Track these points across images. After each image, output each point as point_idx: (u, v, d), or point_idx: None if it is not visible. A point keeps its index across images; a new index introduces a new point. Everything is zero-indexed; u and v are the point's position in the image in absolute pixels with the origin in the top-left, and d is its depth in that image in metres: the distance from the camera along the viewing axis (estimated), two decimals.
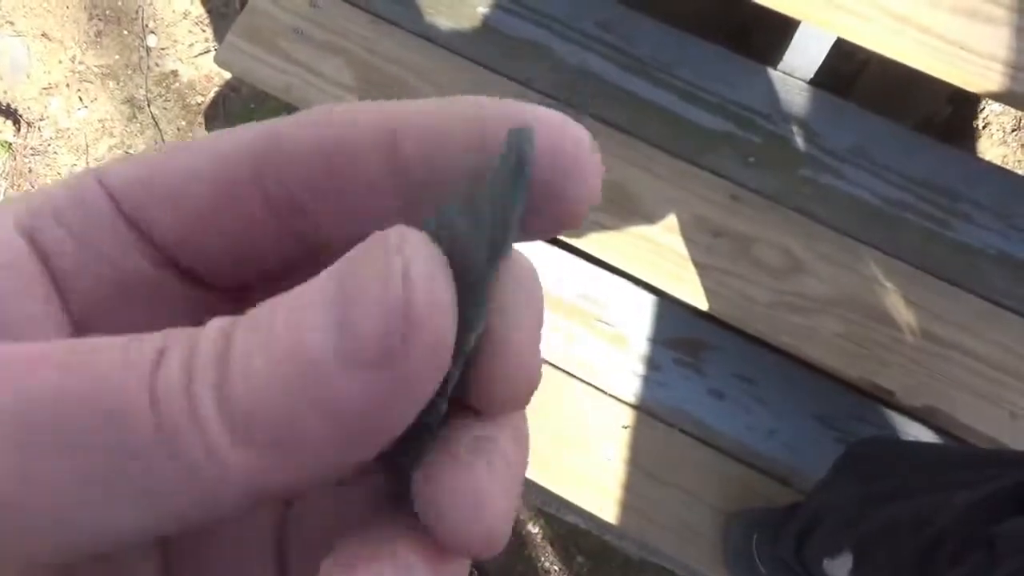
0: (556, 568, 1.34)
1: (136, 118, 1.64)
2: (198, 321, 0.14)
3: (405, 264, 0.11)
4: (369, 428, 0.12)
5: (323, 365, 0.11)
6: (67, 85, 1.65)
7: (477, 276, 0.13)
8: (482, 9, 1.13)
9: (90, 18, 1.67)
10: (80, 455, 0.11)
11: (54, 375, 0.11)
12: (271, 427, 0.11)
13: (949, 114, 1.42)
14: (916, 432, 1.06)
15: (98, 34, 1.67)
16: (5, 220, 0.15)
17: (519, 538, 1.36)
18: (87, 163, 1.62)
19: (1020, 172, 1.37)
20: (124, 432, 0.11)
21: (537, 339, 0.14)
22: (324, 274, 0.12)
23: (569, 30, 1.12)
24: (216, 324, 0.12)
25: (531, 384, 0.14)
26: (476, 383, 0.14)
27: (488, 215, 0.13)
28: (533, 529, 1.36)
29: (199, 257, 0.15)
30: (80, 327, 0.15)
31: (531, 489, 1.29)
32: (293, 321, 0.11)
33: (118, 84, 1.65)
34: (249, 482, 0.11)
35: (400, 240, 0.12)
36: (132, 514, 0.11)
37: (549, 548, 1.35)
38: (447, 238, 0.13)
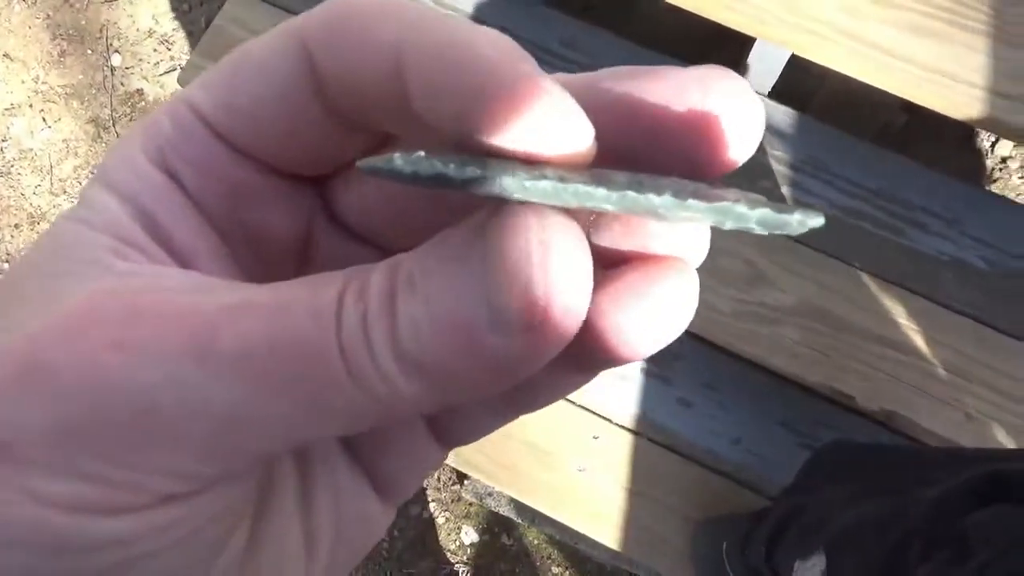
0: None
1: (101, 138, 1.63)
2: (307, 210, 0.19)
3: (545, 253, 0.14)
4: (511, 373, 0.14)
5: (476, 331, 0.14)
6: (30, 105, 1.63)
7: None
8: None
9: (53, 38, 1.65)
10: (290, 388, 0.14)
11: (262, 326, 0.14)
12: (434, 371, 0.14)
13: (905, 123, 1.46)
14: (877, 436, 1.08)
15: (61, 54, 1.65)
16: (137, 156, 0.17)
17: (493, 550, 1.37)
18: (51, 184, 1.61)
19: (975, 181, 1.42)
20: (323, 374, 0.14)
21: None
22: (466, 239, 0.14)
23: (534, 48, 1.14)
24: (378, 282, 0.15)
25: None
26: None
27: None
28: (507, 541, 1.36)
29: (282, 161, 0.18)
30: (227, 241, 0.18)
31: (504, 502, 1.29)
32: (446, 291, 0.14)
33: (82, 104, 1.64)
34: (416, 405, 0.15)
35: (540, 228, 0.14)
36: (330, 425, 0.15)
37: (523, 559, 1.36)
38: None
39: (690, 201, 0.14)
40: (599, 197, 0.14)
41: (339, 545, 0.19)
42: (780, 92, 1.15)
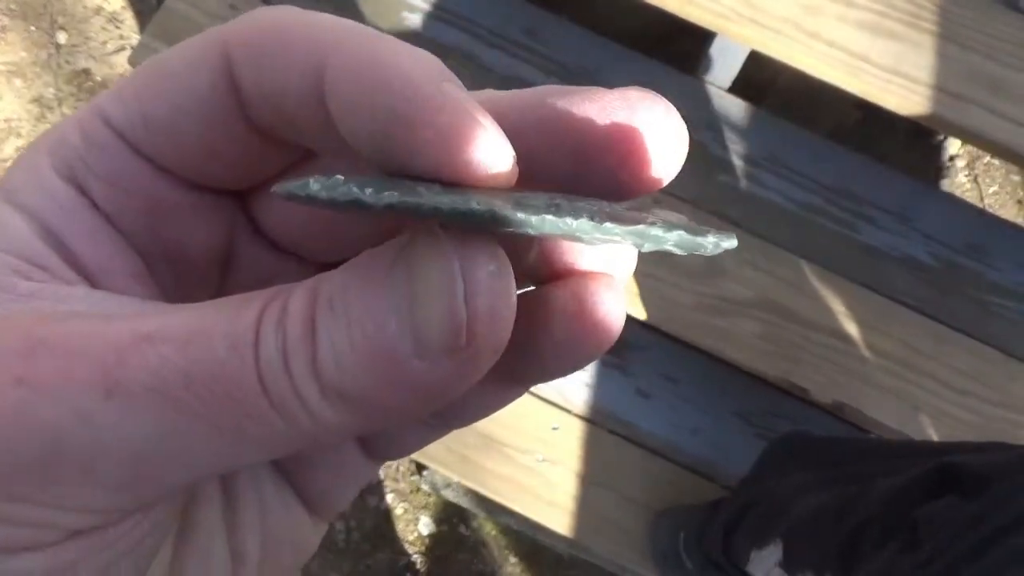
0: (489, 569, 1.35)
1: (46, 118, 1.56)
2: (227, 224, 0.18)
3: (467, 277, 0.14)
4: (437, 397, 0.14)
5: (400, 356, 0.14)
6: None
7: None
8: (408, 15, 1.12)
9: None
10: (209, 420, 0.14)
11: (175, 357, 0.14)
12: (359, 399, 0.14)
13: (859, 118, 1.49)
14: (830, 426, 1.11)
15: (2, 30, 1.58)
16: (44, 171, 0.16)
17: (451, 541, 1.37)
18: None
19: (924, 177, 1.46)
20: (243, 405, 0.14)
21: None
22: (387, 263, 0.14)
23: (496, 37, 1.13)
24: (297, 307, 0.14)
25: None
26: None
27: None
28: (466, 531, 1.37)
29: (201, 175, 0.17)
30: (144, 258, 0.17)
31: (462, 492, 1.29)
32: (369, 316, 0.14)
33: (25, 82, 1.57)
34: (342, 432, 0.15)
35: (463, 254, 0.14)
36: (253, 454, 0.15)
37: (481, 549, 1.36)
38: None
39: (607, 224, 0.14)
40: (518, 222, 0.14)
41: (267, 561, 0.19)
42: (736, 85, 1.16)
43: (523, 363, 0.16)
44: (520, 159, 0.15)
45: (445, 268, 0.14)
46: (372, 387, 0.14)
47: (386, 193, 0.13)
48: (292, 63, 0.15)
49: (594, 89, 0.15)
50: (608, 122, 0.15)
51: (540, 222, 0.14)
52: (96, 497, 0.14)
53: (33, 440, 0.13)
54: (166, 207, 0.17)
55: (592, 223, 0.14)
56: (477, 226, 0.14)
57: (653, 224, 0.14)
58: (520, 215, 0.14)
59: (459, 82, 0.15)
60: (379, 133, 0.14)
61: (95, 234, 0.17)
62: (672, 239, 0.14)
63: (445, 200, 0.13)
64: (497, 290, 0.14)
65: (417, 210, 0.13)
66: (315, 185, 0.14)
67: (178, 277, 0.18)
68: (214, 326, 0.14)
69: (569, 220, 0.14)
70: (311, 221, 0.18)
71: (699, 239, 0.14)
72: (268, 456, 0.15)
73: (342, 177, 0.14)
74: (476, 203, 0.13)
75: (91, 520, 0.14)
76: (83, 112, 0.17)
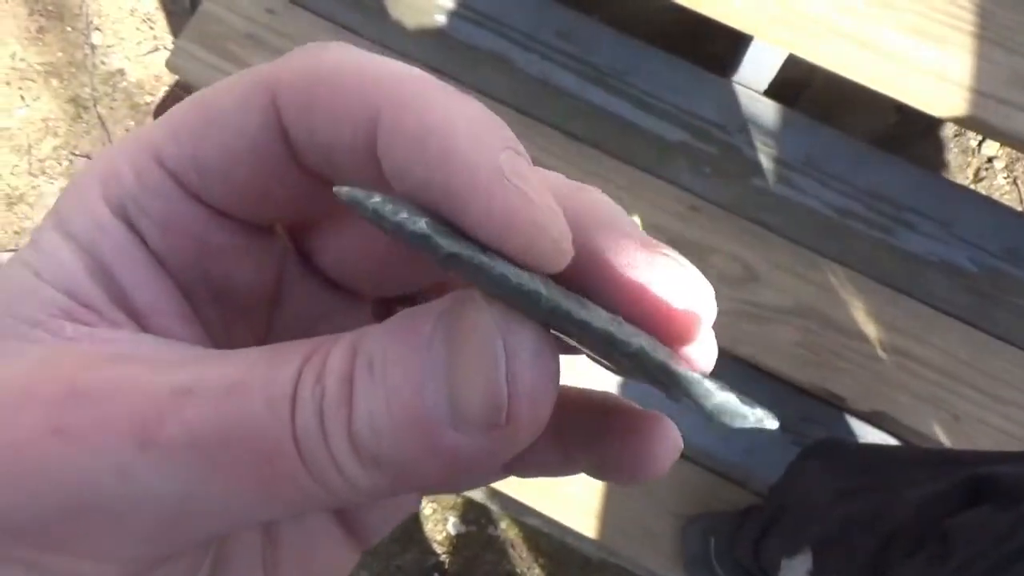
0: (518, 571, 1.35)
1: (81, 118, 1.59)
2: (277, 261, 0.18)
3: (510, 355, 0.13)
4: (471, 470, 0.14)
5: (437, 427, 0.13)
6: (7, 83, 1.59)
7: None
8: (441, 18, 1.12)
9: (31, 13, 1.61)
10: (242, 477, 0.14)
11: (211, 412, 0.14)
12: (392, 465, 0.14)
13: (896, 121, 1.46)
14: (867, 434, 1.09)
15: (40, 30, 1.61)
16: (98, 205, 0.16)
17: (480, 542, 1.37)
18: (29, 164, 1.57)
19: (961, 180, 1.43)
20: (277, 464, 0.14)
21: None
22: (428, 328, 0.14)
23: (529, 40, 1.12)
24: (337, 366, 0.14)
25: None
26: None
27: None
28: (494, 532, 1.37)
29: (252, 215, 0.17)
30: (189, 298, 0.17)
31: (490, 494, 1.30)
32: (406, 383, 0.13)
33: (62, 82, 1.60)
34: (374, 494, 0.14)
35: (509, 332, 0.13)
36: (285, 511, 0.15)
37: (510, 550, 1.36)
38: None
39: (661, 359, 0.13)
40: (579, 323, 0.13)
41: None
42: (774, 88, 1.14)
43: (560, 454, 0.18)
44: None
45: (488, 343, 0.13)
46: (407, 455, 0.14)
47: (449, 241, 0.13)
48: (344, 116, 0.14)
49: (628, 242, 0.15)
50: (643, 295, 0.15)
51: (602, 334, 0.13)
52: (128, 548, 0.14)
53: (66, 491, 0.13)
54: (216, 248, 0.17)
55: (650, 354, 0.13)
56: (529, 309, 0.13)
57: (704, 377, 0.14)
58: (583, 315, 0.13)
59: (522, 149, 0.14)
60: (432, 202, 0.14)
61: (145, 273, 0.16)
62: (719, 399, 0.14)
63: (510, 272, 0.13)
64: (540, 371, 0.14)
65: (478, 274, 0.13)
66: (387, 206, 0.13)
67: (224, 317, 0.18)
68: (253, 379, 0.14)
69: (628, 342, 0.13)
70: (361, 254, 0.18)
71: (744, 408, 0.14)
72: (303, 512, 0.15)
73: (406, 212, 0.13)
74: (542, 289, 0.13)
75: (123, 570, 0.14)
76: (135, 146, 0.16)
